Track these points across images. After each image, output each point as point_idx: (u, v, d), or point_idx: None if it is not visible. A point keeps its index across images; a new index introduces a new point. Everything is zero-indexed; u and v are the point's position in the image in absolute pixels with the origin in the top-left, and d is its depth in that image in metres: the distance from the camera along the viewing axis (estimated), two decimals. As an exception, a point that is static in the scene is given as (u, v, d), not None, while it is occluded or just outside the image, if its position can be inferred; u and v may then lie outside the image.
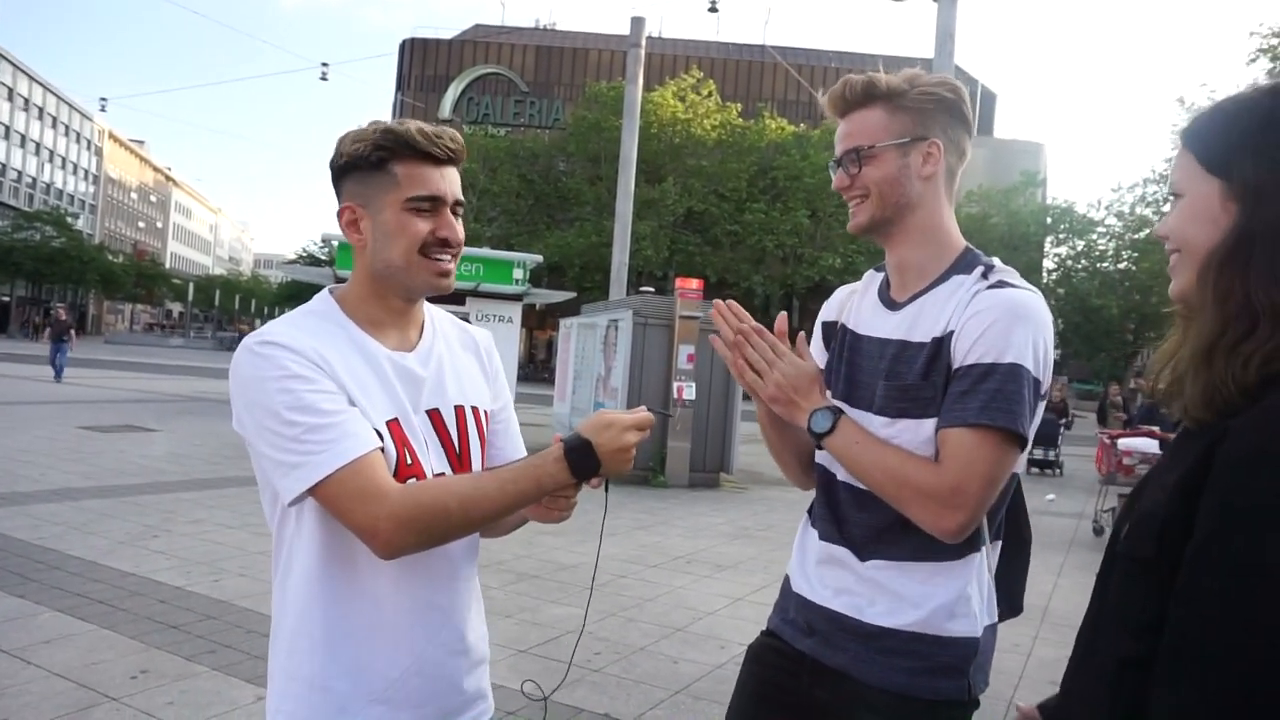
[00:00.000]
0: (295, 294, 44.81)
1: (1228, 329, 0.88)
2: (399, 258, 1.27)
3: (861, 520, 1.44)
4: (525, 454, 1.51)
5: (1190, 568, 0.83)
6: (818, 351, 1.64)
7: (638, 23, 17.17)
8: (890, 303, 1.51)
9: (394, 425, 1.26)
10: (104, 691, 3.53)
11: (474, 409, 1.41)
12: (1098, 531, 8.77)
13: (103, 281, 59.29)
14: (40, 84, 67.76)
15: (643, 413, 1.25)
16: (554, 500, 1.28)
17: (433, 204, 1.27)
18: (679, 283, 10.96)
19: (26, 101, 65.69)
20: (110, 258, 61.13)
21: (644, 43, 17.19)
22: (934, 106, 1.44)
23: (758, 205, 38.77)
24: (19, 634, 4.11)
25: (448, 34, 56.04)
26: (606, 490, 1.32)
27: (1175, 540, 0.85)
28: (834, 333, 1.62)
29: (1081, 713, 0.99)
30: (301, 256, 47.47)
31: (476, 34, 56.32)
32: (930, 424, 1.36)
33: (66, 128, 72.89)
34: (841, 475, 1.47)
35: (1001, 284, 1.38)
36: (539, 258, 19.53)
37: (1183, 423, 0.96)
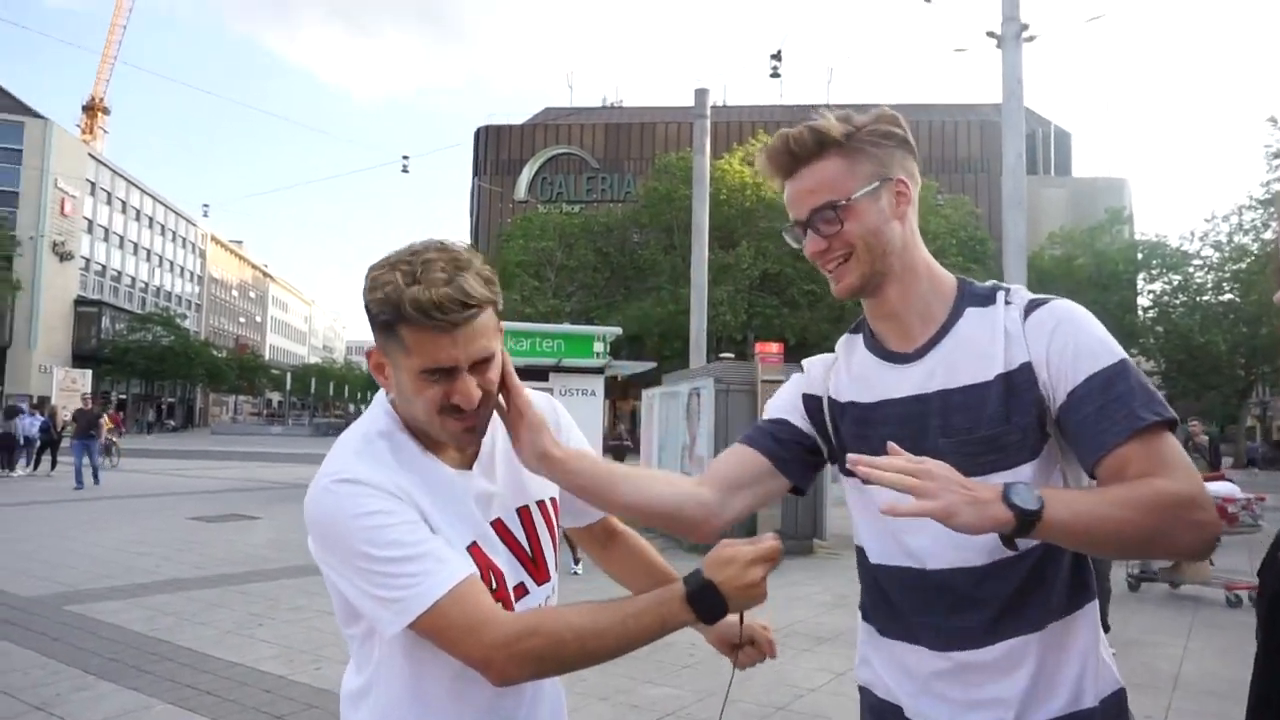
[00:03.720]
0: (385, 378, 46.24)
1: None
2: (421, 416, 1.22)
3: (982, 606, 1.27)
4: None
5: None
6: (792, 412, 1.49)
7: (702, 94, 17.53)
8: (896, 356, 1.37)
9: (475, 550, 1.23)
10: (214, 786, 3.59)
11: (539, 504, 1.37)
12: (1174, 585, 8.17)
13: (208, 376, 62.51)
14: (151, 196, 72.88)
15: (768, 541, 1.17)
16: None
17: (445, 373, 1.18)
18: (759, 347, 10.92)
19: (139, 213, 70.64)
20: (215, 353, 64.50)
21: (709, 113, 17.51)
22: (888, 141, 1.34)
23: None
24: (135, 728, 4.23)
25: (519, 119, 58.30)
26: (741, 622, 1.33)
27: None
28: (818, 408, 1.47)
29: None
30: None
31: (547, 117, 58.39)
32: (1025, 470, 1.24)
33: (174, 234, 77.97)
34: (935, 565, 1.29)
35: (1038, 302, 1.31)
36: (618, 330, 19.78)
37: None
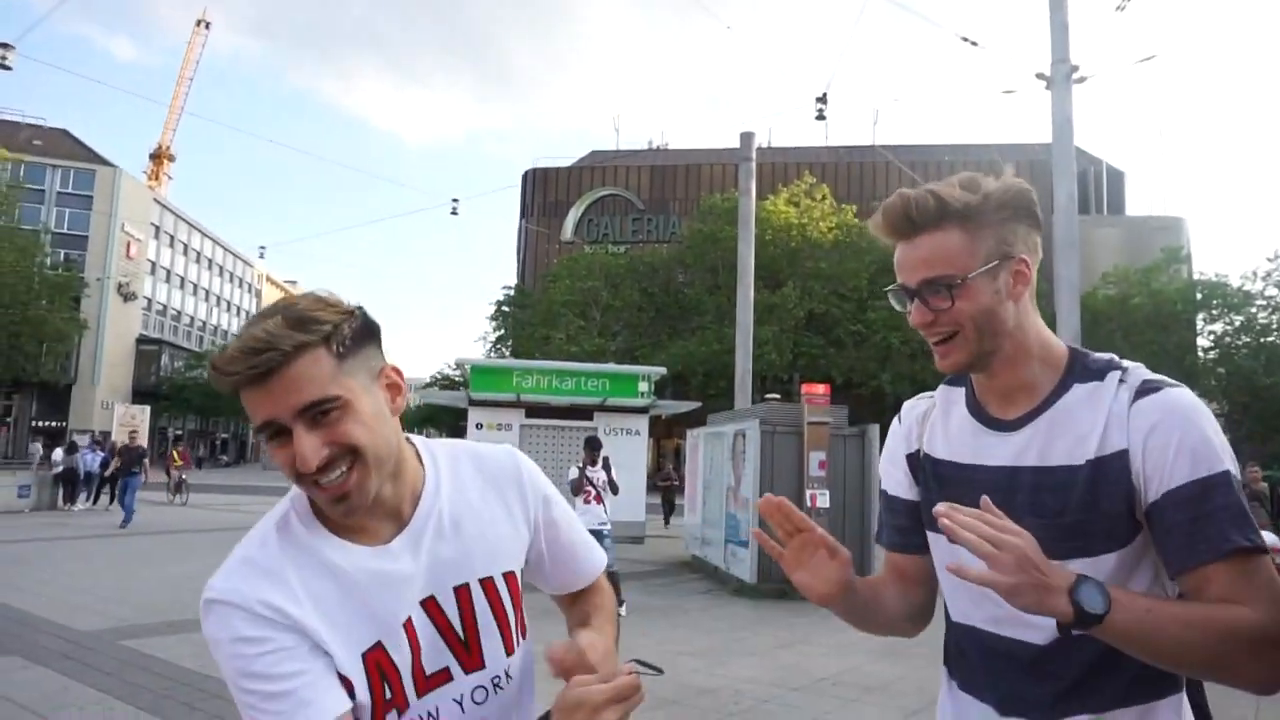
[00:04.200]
0: (430, 416, 46.79)
1: None
2: (295, 487, 1.10)
3: (1047, 680, 1.26)
4: (590, 577, 1.42)
5: None
6: (904, 486, 1.50)
7: (747, 137, 17.68)
8: (994, 422, 1.33)
9: (374, 655, 1.10)
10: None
11: (486, 581, 1.20)
12: None
13: (262, 412, 63.70)
14: (210, 238, 75.25)
15: (624, 679, 0.99)
16: None
17: (273, 431, 1.04)
18: (805, 388, 10.83)
19: (199, 255, 72.95)
20: (267, 390, 65.87)
21: (754, 155, 17.63)
22: (1012, 216, 1.27)
23: (881, 303, 38.29)
24: (184, 766, 4.27)
25: (566, 162, 59.23)
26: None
27: None
28: (917, 465, 1.46)
29: None
30: (438, 379, 49.81)
31: (593, 159, 59.24)
32: (1110, 560, 1.22)
33: (231, 275, 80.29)
34: (1003, 631, 1.28)
35: (1152, 386, 1.23)
36: (663, 370, 19.84)
37: None
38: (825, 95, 18.37)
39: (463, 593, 1.18)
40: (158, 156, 74.55)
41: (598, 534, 8.73)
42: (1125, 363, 1.31)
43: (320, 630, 1.07)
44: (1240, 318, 36.50)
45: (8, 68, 18.91)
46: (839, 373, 36.68)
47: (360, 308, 1.14)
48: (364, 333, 1.11)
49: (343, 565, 1.11)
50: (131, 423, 38.53)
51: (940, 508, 1.11)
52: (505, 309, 48.57)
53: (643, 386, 16.94)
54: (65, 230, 55.76)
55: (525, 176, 56.65)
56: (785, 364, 38.03)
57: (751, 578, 10.14)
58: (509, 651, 1.22)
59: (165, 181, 74.05)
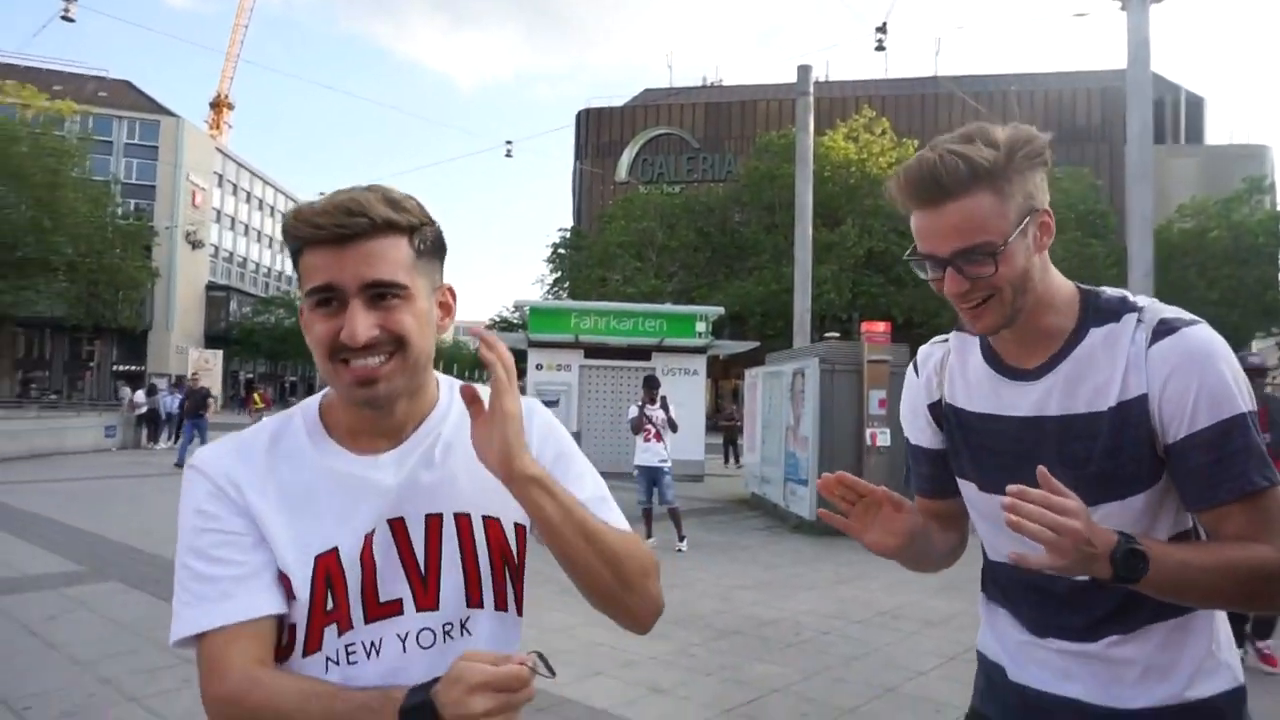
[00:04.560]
0: (490, 358, 47.44)
1: None
2: (321, 366, 1.07)
3: (1082, 611, 1.31)
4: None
5: None
6: (928, 436, 1.51)
7: (804, 71, 17.19)
8: (1013, 372, 1.33)
9: (326, 559, 1.07)
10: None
11: (464, 518, 1.13)
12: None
13: (326, 356, 65.37)
14: (271, 185, 76.59)
15: (510, 668, 0.90)
16: None
17: (328, 296, 1.03)
18: (865, 326, 10.71)
19: (260, 201, 74.37)
20: (331, 334, 67.52)
21: (811, 89, 17.17)
22: (1030, 166, 1.23)
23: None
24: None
25: (619, 101, 58.45)
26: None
27: None
28: (939, 413, 1.47)
29: None
30: (496, 322, 50.40)
31: (647, 98, 58.36)
32: (1139, 500, 1.25)
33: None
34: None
35: (1168, 326, 1.22)
36: (721, 310, 19.74)
37: None
38: (885, 25, 17.74)
39: (434, 522, 1.12)
40: (217, 105, 75.65)
41: (658, 471, 8.84)
42: (1139, 300, 1.30)
43: (276, 522, 1.06)
44: (1329, 250, 34.81)
45: (70, 19, 19.31)
46: (899, 311, 36.09)
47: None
48: (438, 244, 1.13)
49: (323, 464, 1.10)
50: (205, 366, 40.03)
51: (1006, 501, 1.10)
52: (561, 251, 48.66)
53: (700, 327, 16.94)
54: (134, 180, 57.28)
55: (579, 117, 56.09)
56: (844, 303, 37.56)
57: (810, 514, 10.20)
58: (472, 602, 1.13)
59: (225, 130, 75.25)
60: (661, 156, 54.01)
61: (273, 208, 76.81)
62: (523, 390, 1.21)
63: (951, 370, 1.45)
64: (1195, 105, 54.13)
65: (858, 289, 38.12)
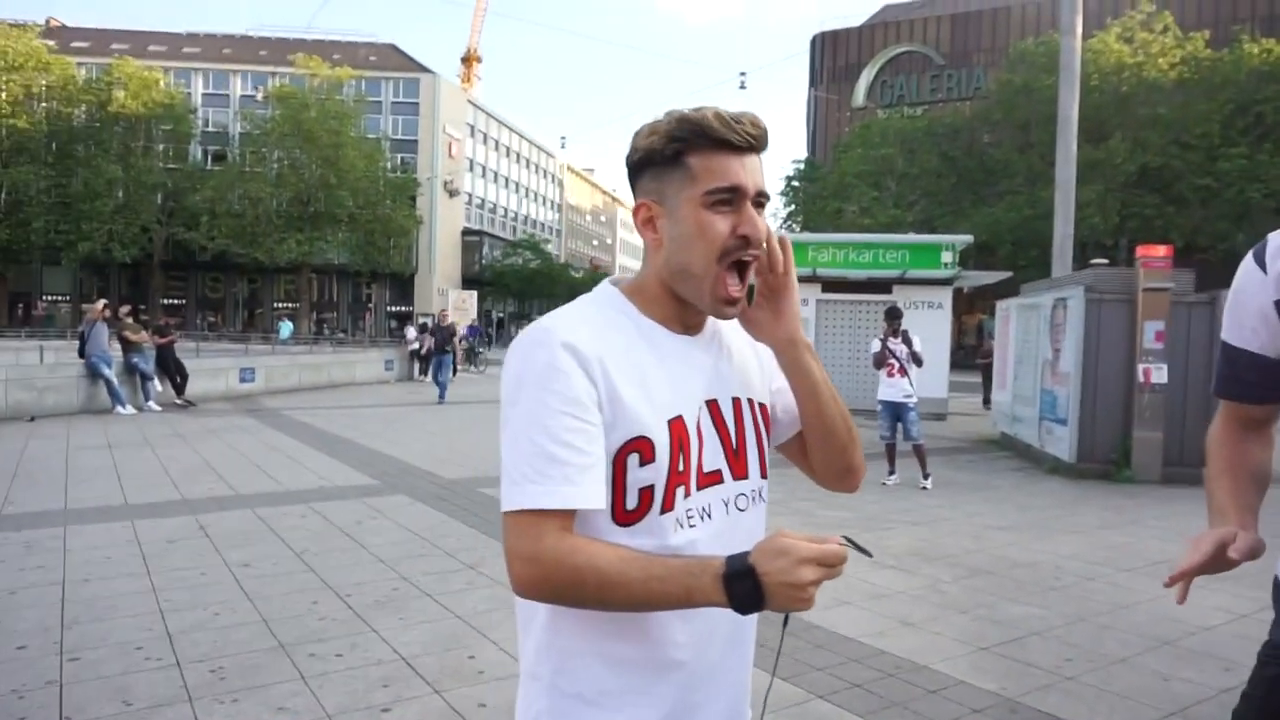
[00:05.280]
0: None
1: None
2: (698, 264, 1.16)
3: None
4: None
5: None
6: (1261, 338, 1.32)
7: (1072, -34, 15.39)
8: None
9: (676, 425, 1.16)
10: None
11: (750, 401, 1.29)
12: None
13: (569, 294, 68.96)
14: (517, 133, 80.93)
15: (832, 546, 1.00)
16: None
17: (732, 196, 1.14)
18: (1141, 251, 9.63)
19: (508, 149, 78.92)
20: (573, 273, 70.95)
21: (1081, -13, 15.37)
22: None
23: (1237, 150, 32.55)
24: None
25: (857, 21, 55.57)
26: (784, 626, 1.17)
27: None
28: None
29: None
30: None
31: (887, 15, 55.03)
32: None
33: (536, 166, 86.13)
34: None
35: None
36: (969, 238, 18.55)
37: None
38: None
39: (737, 404, 1.26)
40: (467, 60, 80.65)
41: (903, 407, 8.60)
42: None
43: (631, 391, 1.13)
44: None
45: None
46: (1179, 235, 32.09)
47: None
48: None
49: (659, 339, 1.20)
50: (462, 306, 43.57)
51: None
52: (795, 184, 47.64)
53: (946, 257, 16.03)
54: (399, 136, 62.71)
55: (814, 41, 54.09)
56: (1110, 228, 33.94)
57: (1070, 456, 9.50)
58: (763, 473, 1.29)
59: (475, 82, 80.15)
60: (902, 77, 50.95)
61: (518, 154, 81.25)
62: None
63: None
64: None
65: (1126, 211, 34.24)
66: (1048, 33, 35.69)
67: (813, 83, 54.42)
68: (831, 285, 16.06)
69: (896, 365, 8.60)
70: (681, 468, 1.16)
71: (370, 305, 62.83)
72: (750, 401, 1.28)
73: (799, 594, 0.98)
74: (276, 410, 14.74)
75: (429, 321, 28.73)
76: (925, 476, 8.54)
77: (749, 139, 1.14)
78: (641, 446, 1.12)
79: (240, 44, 64.42)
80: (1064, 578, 5.47)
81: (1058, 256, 14.92)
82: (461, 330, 26.86)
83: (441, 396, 17.23)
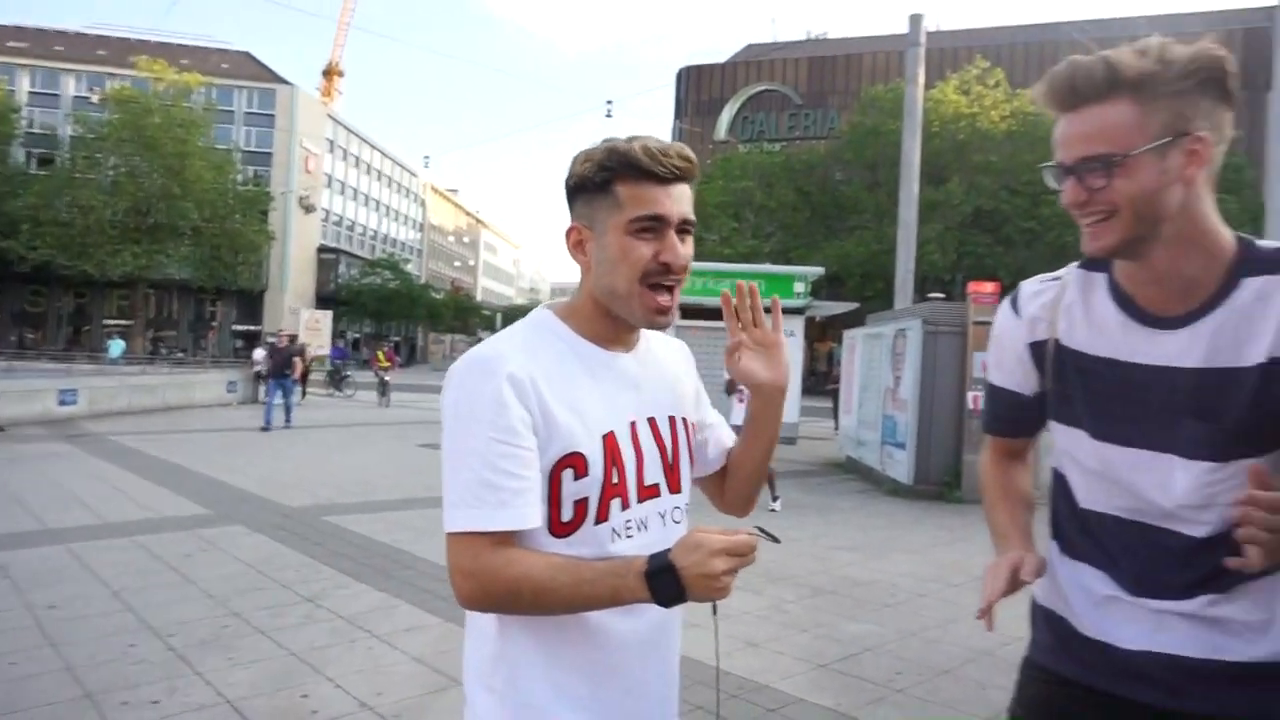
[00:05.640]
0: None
1: None
2: (622, 285, 1.22)
3: (1190, 569, 1.25)
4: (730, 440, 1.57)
5: None
6: (1017, 378, 1.43)
7: (916, 20, 16.52)
8: (1150, 319, 1.25)
9: (609, 440, 1.23)
10: (452, 676, 4.03)
11: (684, 420, 1.38)
12: None
13: (428, 316, 67.58)
14: (379, 150, 78.83)
15: (742, 536, 1.08)
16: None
17: (655, 224, 1.20)
18: (972, 287, 10.35)
19: (369, 167, 76.71)
20: (434, 295, 69.52)
21: (923, 40, 16.50)
22: (1196, 88, 1.12)
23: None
24: (385, 623, 4.80)
25: (721, 58, 57.50)
26: (714, 614, 1.27)
27: None
28: (1043, 354, 1.37)
29: None
30: (593, 283, 50.84)
31: (749, 54, 57.20)
32: (1274, 455, 1.20)
33: (398, 185, 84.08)
34: (1156, 523, 1.26)
35: None
36: (820, 270, 19.40)
37: None
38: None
39: (673, 421, 1.34)
40: (329, 73, 78.14)
41: (753, 431, 8.83)
42: None
43: (563, 409, 1.19)
44: None
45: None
46: (1007, 273, 34.60)
47: None
48: None
49: (592, 355, 1.26)
50: (315, 326, 41.85)
51: (1238, 513, 1.06)
52: (658, 212, 48.51)
53: (799, 287, 16.70)
54: (252, 148, 59.87)
55: (680, 75, 55.52)
56: (948, 264, 36.32)
57: (908, 479, 10.03)
58: (689, 484, 1.39)
59: (336, 96, 77.70)
60: (762, 114, 52.99)
61: (379, 171, 79.13)
62: None
63: (1070, 309, 1.35)
64: (1349, 46, 49.56)
65: (963, 249, 36.75)
66: (896, 80, 38.01)
67: (678, 114, 55.80)
68: (690, 312, 16.39)
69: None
70: (615, 480, 1.22)
71: (215, 323, 59.34)
72: (684, 420, 1.37)
73: (714, 584, 1.07)
74: (101, 435, 13.63)
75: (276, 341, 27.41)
76: (774, 499, 8.81)
77: (674, 171, 1.20)
78: (575, 462, 1.19)
79: (75, 41, 59.96)
80: (899, 594, 5.74)
81: (900, 289, 15.85)
82: (321, 351, 25.30)
83: (283, 420, 15.60)
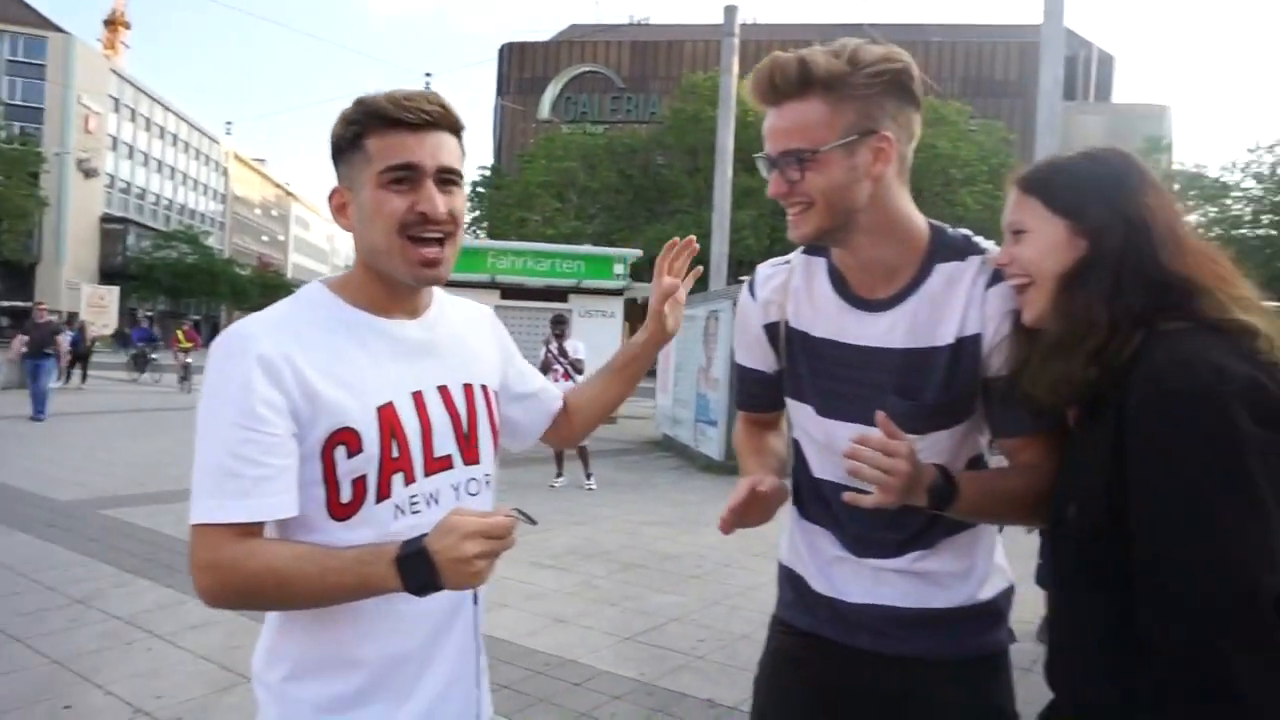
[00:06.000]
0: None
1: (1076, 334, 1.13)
2: (380, 240, 1.16)
3: (899, 529, 1.39)
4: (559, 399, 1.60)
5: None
6: (757, 357, 1.53)
7: (731, 11, 17.04)
8: (861, 302, 1.36)
9: (385, 411, 1.17)
10: (241, 673, 3.81)
11: (483, 388, 1.33)
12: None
13: (233, 293, 63.10)
14: (174, 113, 72.50)
15: (496, 518, 1.05)
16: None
17: (408, 174, 1.15)
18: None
19: (162, 130, 70.41)
20: (239, 271, 64.95)
21: (738, 31, 17.05)
22: (881, 90, 1.22)
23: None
24: (169, 621, 4.47)
25: (544, 36, 57.02)
26: (475, 604, 1.30)
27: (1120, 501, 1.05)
28: (777, 334, 1.47)
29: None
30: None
31: (573, 34, 57.06)
32: (961, 429, 1.36)
33: (197, 151, 77.77)
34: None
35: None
36: (639, 252, 19.71)
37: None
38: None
39: (469, 390, 1.30)
40: (112, 23, 70.93)
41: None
42: (983, 242, 1.36)
43: (327, 385, 1.13)
44: (1215, 209, 36.68)
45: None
46: (817, 259, 36.72)
47: None
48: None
49: (367, 326, 1.21)
50: (100, 303, 38.07)
51: (847, 449, 1.20)
52: (480, 190, 47.64)
53: (618, 269, 16.91)
54: (19, 102, 53.53)
55: (502, 50, 54.62)
56: (763, 249, 37.92)
57: (720, 455, 10.43)
58: (493, 457, 1.34)
59: (122, 51, 70.68)
60: (585, 95, 53.12)
61: (175, 136, 72.89)
62: None
63: (796, 293, 1.45)
64: (1106, 63, 55.79)
65: (776, 235, 38.51)
66: (714, 69, 39.12)
67: (500, 91, 54.92)
68: (510, 292, 16.24)
69: (561, 370, 8.87)
70: (396, 454, 1.17)
71: (-26, 299, 52.80)
72: (484, 388, 1.32)
73: (467, 569, 1.02)
74: None
75: (53, 319, 24.73)
76: (588, 477, 8.91)
77: (424, 116, 1.15)
78: (347, 438, 1.13)
79: None
80: (705, 565, 5.97)
81: (714, 273, 16.36)
82: (105, 330, 22.57)
83: (40, 411, 13.37)
